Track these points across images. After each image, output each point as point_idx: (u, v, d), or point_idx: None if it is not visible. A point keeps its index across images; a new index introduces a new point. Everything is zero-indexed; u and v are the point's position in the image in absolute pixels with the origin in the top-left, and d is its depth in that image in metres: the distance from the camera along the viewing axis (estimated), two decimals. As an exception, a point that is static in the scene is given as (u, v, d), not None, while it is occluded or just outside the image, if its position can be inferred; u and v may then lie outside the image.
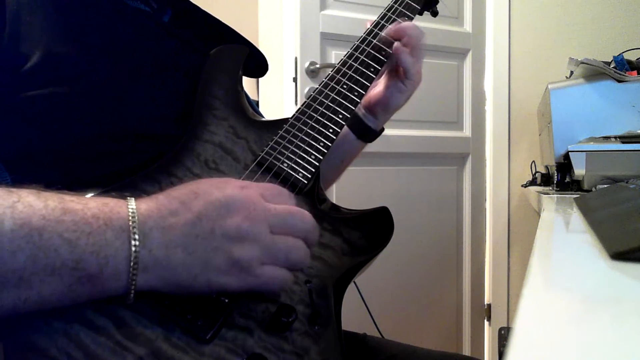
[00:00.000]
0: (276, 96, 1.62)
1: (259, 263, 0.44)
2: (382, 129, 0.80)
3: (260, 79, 1.71)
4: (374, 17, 0.73)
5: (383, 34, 0.69)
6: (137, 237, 0.41)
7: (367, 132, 0.78)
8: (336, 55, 1.62)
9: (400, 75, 0.73)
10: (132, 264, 0.40)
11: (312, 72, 1.57)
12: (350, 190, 1.59)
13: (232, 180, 0.47)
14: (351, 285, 0.58)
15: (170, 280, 0.42)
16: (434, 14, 0.82)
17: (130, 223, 0.41)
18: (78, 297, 0.40)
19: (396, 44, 0.69)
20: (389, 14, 0.73)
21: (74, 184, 0.45)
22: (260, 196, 0.46)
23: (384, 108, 0.76)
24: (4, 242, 0.37)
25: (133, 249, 0.40)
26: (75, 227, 0.39)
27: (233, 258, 0.43)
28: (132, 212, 0.42)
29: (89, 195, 0.45)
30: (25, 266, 0.37)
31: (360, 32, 0.71)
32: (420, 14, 0.78)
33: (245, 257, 0.43)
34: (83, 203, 0.41)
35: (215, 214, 0.43)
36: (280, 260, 0.46)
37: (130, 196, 0.44)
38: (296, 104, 1.58)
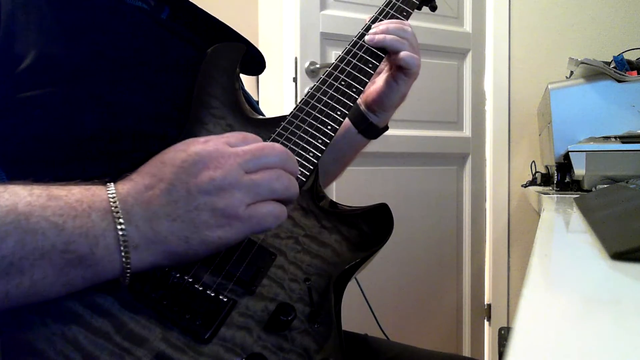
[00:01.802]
0: (276, 96, 1.62)
1: (245, 205, 0.43)
2: (387, 127, 0.80)
3: (260, 79, 1.71)
4: (367, 16, 0.73)
5: (370, 39, 0.68)
6: (120, 216, 0.41)
7: (369, 128, 0.77)
8: (336, 55, 1.61)
9: (395, 75, 0.73)
10: (122, 242, 0.41)
11: (312, 72, 1.57)
12: (350, 190, 1.59)
13: (195, 139, 0.46)
14: (352, 285, 0.57)
15: (164, 251, 0.42)
16: (433, 8, 0.80)
17: (112, 204, 0.41)
18: (72, 281, 0.40)
19: (390, 46, 0.68)
20: (387, 9, 0.72)
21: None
22: (225, 144, 0.45)
23: (381, 107, 0.76)
24: None
25: (119, 227, 0.41)
26: (61, 212, 0.40)
27: (218, 210, 0.43)
28: (112, 194, 0.42)
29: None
30: (14, 251, 0.38)
31: (360, 32, 0.71)
32: (419, 8, 0.77)
33: (230, 204, 0.43)
34: (67, 189, 0.42)
35: (185, 174, 0.43)
36: (265, 196, 0.45)
37: (110, 180, 0.44)
38: (296, 104, 1.58)
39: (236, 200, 0.43)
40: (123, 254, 0.41)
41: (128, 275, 0.41)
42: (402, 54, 0.69)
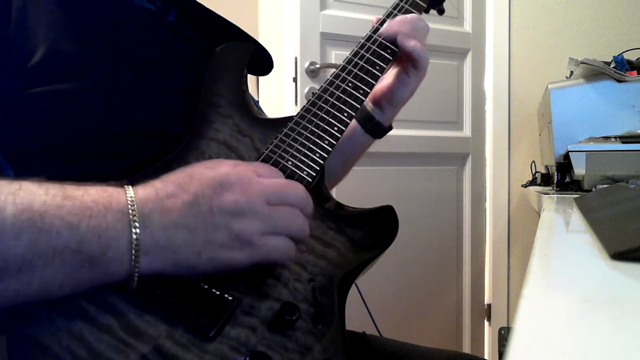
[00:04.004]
0: (276, 96, 1.62)
1: (260, 235, 0.45)
2: (391, 127, 0.80)
3: (260, 79, 1.71)
4: (374, 17, 0.73)
5: (385, 29, 0.68)
6: (137, 220, 0.41)
7: (375, 127, 0.77)
8: (336, 55, 1.62)
9: (406, 68, 0.73)
10: (134, 246, 0.41)
11: (312, 72, 1.57)
12: (350, 190, 1.58)
13: (224, 160, 0.48)
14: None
15: (174, 261, 0.43)
16: (441, 12, 0.81)
17: (130, 207, 0.41)
18: (81, 281, 0.40)
19: (401, 36, 0.68)
20: (395, 11, 0.72)
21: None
22: (253, 172, 0.47)
23: (390, 101, 0.75)
24: (6, 226, 0.37)
25: (134, 231, 0.41)
26: (77, 211, 0.40)
27: (234, 232, 0.44)
28: (131, 197, 0.42)
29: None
30: (28, 249, 0.37)
31: (360, 32, 0.71)
32: (427, 12, 0.77)
33: (246, 230, 0.44)
34: (83, 189, 0.42)
35: (211, 192, 0.44)
36: (280, 230, 0.47)
37: (128, 183, 0.44)
38: (296, 104, 1.58)
39: (253, 227, 0.45)
40: (133, 257, 0.41)
41: (136, 279, 0.42)
42: (414, 44, 0.68)
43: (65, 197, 0.40)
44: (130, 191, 0.43)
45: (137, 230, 0.41)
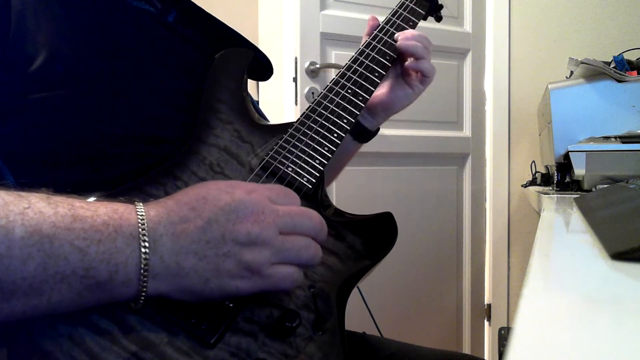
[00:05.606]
0: (276, 96, 1.62)
1: (269, 264, 0.44)
2: (378, 129, 0.81)
3: (260, 79, 1.71)
4: (370, 16, 0.74)
5: (394, 42, 0.72)
6: (147, 244, 0.41)
7: (363, 133, 0.79)
8: (336, 55, 1.62)
9: (410, 80, 0.75)
10: (142, 270, 0.40)
11: (312, 72, 1.57)
12: (350, 191, 1.59)
13: (240, 183, 0.47)
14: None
15: (181, 286, 0.42)
16: (438, 19, 0.83)
17: (140, 230, 0.41)
18: (87, 303, 0.40)
19: (417, 49, 0.72)
20: (393, 19, 0.74)
21: (78, 187, 0.45)
22: (268, 199, 0.46)
23: (386, 109, 0.77)
24: (15, 249, 0.37)
25: (143, 256, 0.40)
26: (85, 235, 0.39)
27: (244, 262, 0.43)
28: (142, 219, 0.41)
29: (94, 198, 0.45)
30: (36, 274, 0.37)
31: (360, 32, 0.71)
32: (425, 19, 0.79)
33: (256, 260, 0.44)
34: (93, 210, 0.41)
35: (225, 219, 0.43)
36: (291, 259, 0.46)
37: (139, 202, 0.43)
38: (296, 104, 1.58)
39: (263, 257, 0.44)
40: (141, 281, 0.41)
41: (142, 301, 0.41)
42: (425, 63, 0.73)
43: (75, 218, 0.39)
44: (141, 211, 0.42)
45: (147, 255, 0.40)
